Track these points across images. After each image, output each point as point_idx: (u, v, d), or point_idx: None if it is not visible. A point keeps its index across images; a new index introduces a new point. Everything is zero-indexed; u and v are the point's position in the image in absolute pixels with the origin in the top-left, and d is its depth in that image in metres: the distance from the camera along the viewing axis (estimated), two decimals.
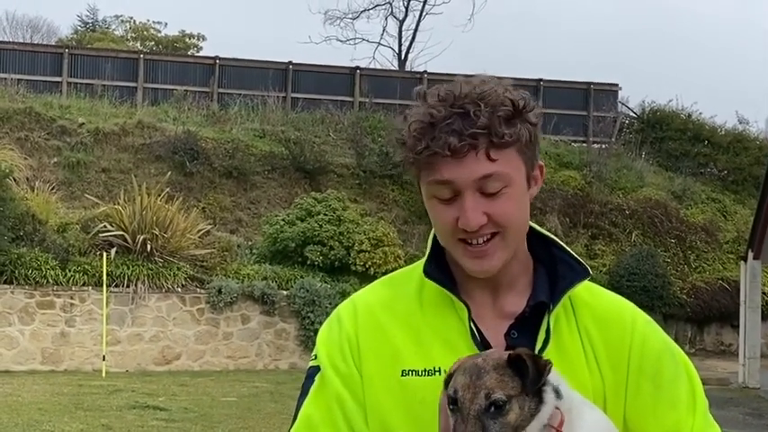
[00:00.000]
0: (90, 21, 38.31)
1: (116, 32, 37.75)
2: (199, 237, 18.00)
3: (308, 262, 18.12)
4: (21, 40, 34.10)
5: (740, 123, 28.34)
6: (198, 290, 17.49)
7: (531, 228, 1.83)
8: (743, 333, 17.72)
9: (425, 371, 1.72)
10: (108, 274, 16.41)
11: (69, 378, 15.35)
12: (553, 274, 1.81)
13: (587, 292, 1.84)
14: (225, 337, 17.61)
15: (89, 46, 30.59)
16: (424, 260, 1.83)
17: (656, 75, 50.60)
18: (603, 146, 26.30)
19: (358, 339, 1.79)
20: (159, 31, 37.93)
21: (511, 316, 1.77)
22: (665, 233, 23.48)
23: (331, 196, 19.12)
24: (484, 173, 1.68)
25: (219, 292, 17.33)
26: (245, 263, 18.37)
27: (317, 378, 1.80)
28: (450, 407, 1.58)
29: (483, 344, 1.74)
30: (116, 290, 16.84)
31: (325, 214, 18.44)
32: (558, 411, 1.60)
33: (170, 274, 17.16)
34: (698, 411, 1.79)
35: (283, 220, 18.57)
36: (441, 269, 1.81)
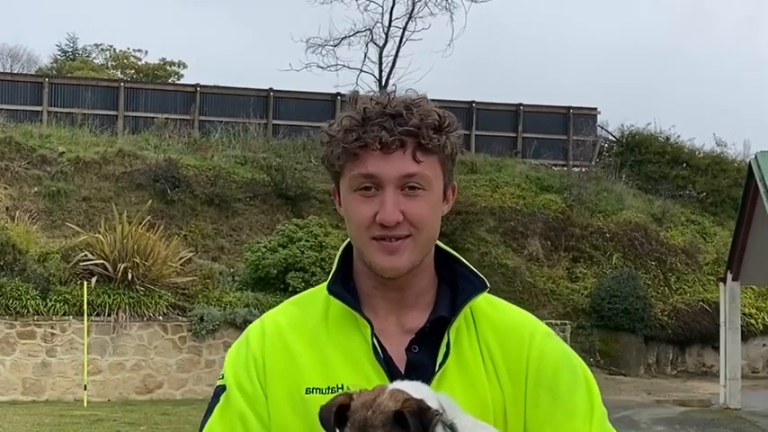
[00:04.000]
0: (70, 49, 38.29)
1: (96, 61, 37.73)
2: (180, 264, 17.96)
3: (291, 288, 18.08)
4: (0, 70, 34.04)
5: (718, 146, 28.65)
6: (180, 318, 17.43)
7: (437, 246, 1.89)
8: (723, 354, 17.80)
9: (329, 388, 1.77)
10: (89, 303, 16.33)
11: (51, 408, 15.23)
12: (455, 289, 1.87)
13: (490, 307, 1.89)
14: (207, 364, 17.53)
15: (69, 75, 30.58)
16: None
17: (634, 98, 51.02)
18: (583, 169, 26.47)
19: (264, 359, 1.83)
20: (140, 59, 37.94)
21: (413, 331, 1.82)
22: (646, 255, 23.61)
23: (313, 222, 19.13)
24: (408, 171, 1.77)
25: (201, 319, 17.27)
26: (227, 290, 18.33)
27: (222, 397, 1.85)
28: None
29: (386, 360, 1.79)
30: (97, 319, 16.76)
31: (306, 240, 18.45)
32: None
33: (151, 303, 17.10)
34: (595, 420, 1.82)
35: (265, 246, 18.56)
36: (346, 287, 1.86)
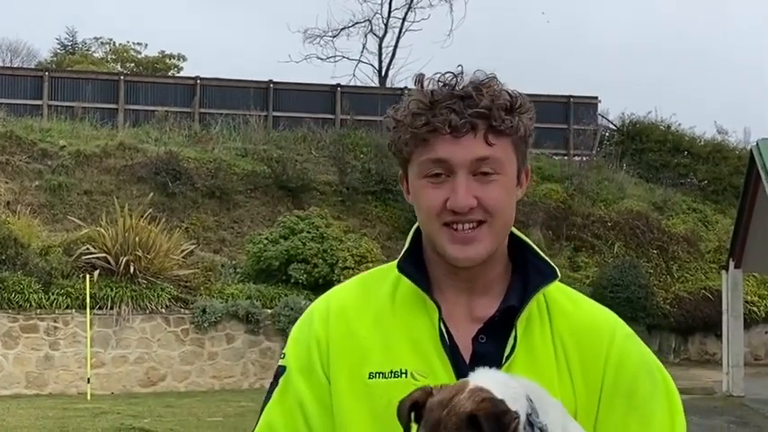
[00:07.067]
0: (69, 43, 38.24)
1: (96, 54, 37.68)
2: (182, 257, 17.97)
3: (292, 280, 18.11)
4: (0, 64, 34.00)
5: (719, 133, 28.59)
6: (182, 310, 17.44)
7: (511, 233, 1.82)
8: (726, 342, 17.81)
9: (392, 372, 1.70)
10: (91, 297, 16.35)
11: (54, 402, 15.26)
12: (526, 279, 1.78)
13: (568, 300, 1.80)
14: (210, 357, 17.55)
15: (69, 68, 30.53)
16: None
17: (635, 86, 50.98)
18: (584, 158, 26.46)
19: (328, 341, 1.76)
20: (139, 53, 37.89)
21: (483, 320, 1.74)
22: (647, 244, 23.60)
23: (314, 214, 19.13)
24: (480, 155, 1.69)
25: (204, 312, 17.28)
26: (229, 282, 18.34)
27: (281, 380, 1.78)
28: None
29: (451, 347, 1.71)
30: (100, 312, 16.77)
31: (308, 232, 18.45)
32: None
33: (154, 295, 17.11)
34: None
35: (266, 238, 18.56)
36: (417, 267, 1.77)
